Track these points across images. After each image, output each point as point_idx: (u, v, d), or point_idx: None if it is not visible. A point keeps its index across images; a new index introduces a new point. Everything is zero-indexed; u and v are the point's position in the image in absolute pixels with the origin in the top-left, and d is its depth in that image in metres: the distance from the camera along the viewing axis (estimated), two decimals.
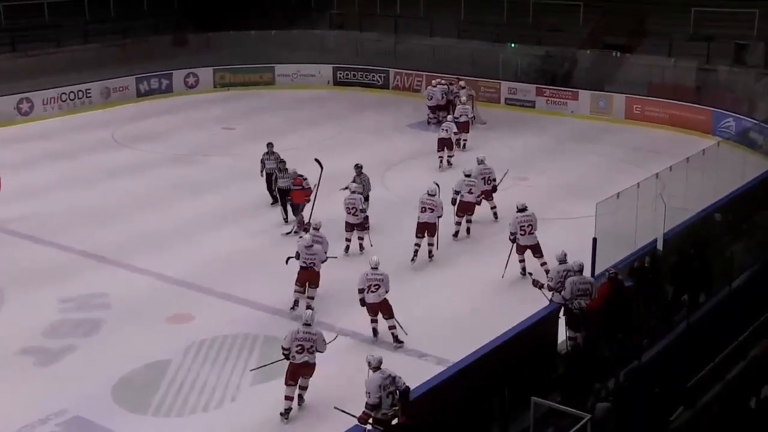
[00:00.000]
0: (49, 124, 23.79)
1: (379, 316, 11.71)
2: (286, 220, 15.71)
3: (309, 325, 10.06)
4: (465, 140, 21.09)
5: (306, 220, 14.67)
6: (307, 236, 12.60)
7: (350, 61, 28.96)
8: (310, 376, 10.21)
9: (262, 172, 16.62)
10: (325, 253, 12.57)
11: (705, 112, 22.73)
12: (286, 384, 10.03)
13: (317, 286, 12.44)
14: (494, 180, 16.00)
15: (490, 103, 25.86)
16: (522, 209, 13.85)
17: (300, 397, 10.23)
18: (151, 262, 14.28)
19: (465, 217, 15.35)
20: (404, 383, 8.74)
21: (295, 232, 15.02)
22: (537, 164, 19.98)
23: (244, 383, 10.84)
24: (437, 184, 14.73)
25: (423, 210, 14.27)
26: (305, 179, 15.43)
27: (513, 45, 27.46)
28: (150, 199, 17.38)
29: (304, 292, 12.38)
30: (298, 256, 12.43)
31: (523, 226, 13.69)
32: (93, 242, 15.10)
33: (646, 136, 22.70)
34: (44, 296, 13.10)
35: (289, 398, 10.05)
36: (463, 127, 21.06)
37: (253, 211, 16.19)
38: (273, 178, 16.41)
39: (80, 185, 18.41)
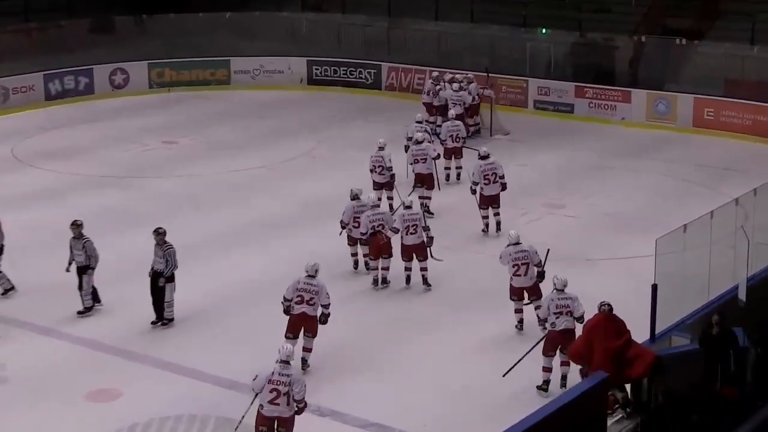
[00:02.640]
0: None
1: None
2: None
3: (312, 276, 12.43)
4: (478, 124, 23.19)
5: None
6: (371, 195, 15.75)
7: (330, 53, 29.19)
8: (313, 336, 12.49)
9: (69, 265, 14.41)
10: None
11: None
12: (285, 337, 12.29)
13: (390, 255, 15.04)
14: (464, 138, 20.03)
15: (514, 107, 26.05)
16: (484, 156, 17.02)
17: (303, 360, 12.45)
18: (65, 322, 14.21)
19: (453, 161, 19.72)
20: (302, 395, 10.31)
21: None
22: (577, 187, 20.07)
23: None
24: (430, 129, 19.05)
25: (415, 161, 18.08)
26: None
27: (544, 31, 27.71)
28: (61, 236, 17.28)
29: (378, 267, 15.07)
30: (344, 227, 15.32)
31: (487, 174, 16.78)
32: None
33: (721, 148, 22.88)
34: None
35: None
36: (475, 110, 23.09)
37: (199, 254, 16.20)
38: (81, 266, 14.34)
39: None
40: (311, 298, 12.40)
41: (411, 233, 14.86)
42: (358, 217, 15.25)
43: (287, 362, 10.35)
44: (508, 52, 27.53)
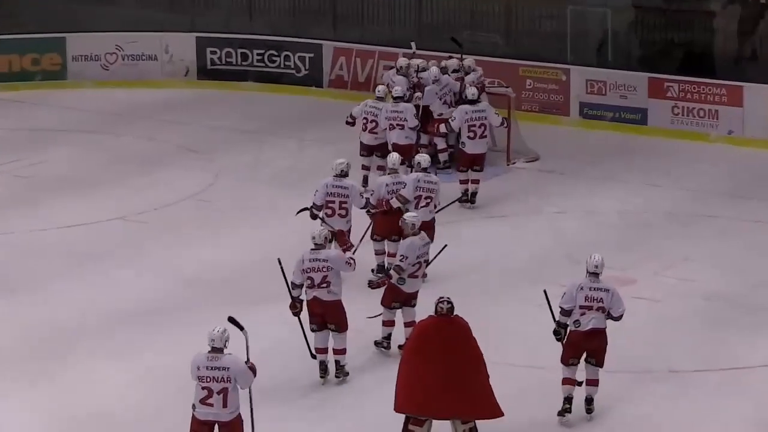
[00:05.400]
0: None
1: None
2: None
3: (320, 247, 14.78)
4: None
5: None
6: (394, 156, 18.52)
7: (235, 25, 29.59)
8: (339, 329, 14.90)
9: None
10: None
11: None
12: (312, 330, 14.99)
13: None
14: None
15: (546, 114, 26.36)
16: (472, 100, 20.68)
17: (337, 364, 14.99)
18: None
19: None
20: (249, 385, 12.53)
21: None
22: (655, 250, 20.00)
23: None
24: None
25: (391, 127, 21.16)
26: None
27: None
28: None
29: (384, 251, 18.00)
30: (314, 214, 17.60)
31: (473, 125, 20.50)
32: None
33: None
34: None
35: (319, 350, 14.95)
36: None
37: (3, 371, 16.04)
38: None
39: None
40: (324, 278, 14.68)
41: (422, 206, 17.58)
42: (332, 202, 17.54)
43: (218, 350, 12.23)
44: (537, 24, 27.71)
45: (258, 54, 28.60)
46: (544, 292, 14.40)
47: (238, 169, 23.89)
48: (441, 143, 22.26)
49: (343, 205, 17.25)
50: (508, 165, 23.34)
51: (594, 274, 13.97)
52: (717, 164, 24.07)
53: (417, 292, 15.71)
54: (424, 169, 18.04)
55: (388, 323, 15.77)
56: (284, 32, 28.82)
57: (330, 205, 17.33)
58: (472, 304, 17.02)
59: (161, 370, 15.58)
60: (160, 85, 28.48)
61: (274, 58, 28.53)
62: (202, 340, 14.65)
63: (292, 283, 14.93)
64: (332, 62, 28.28)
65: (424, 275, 17.10)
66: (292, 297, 14.98)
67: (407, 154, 20.07)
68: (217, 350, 12.22)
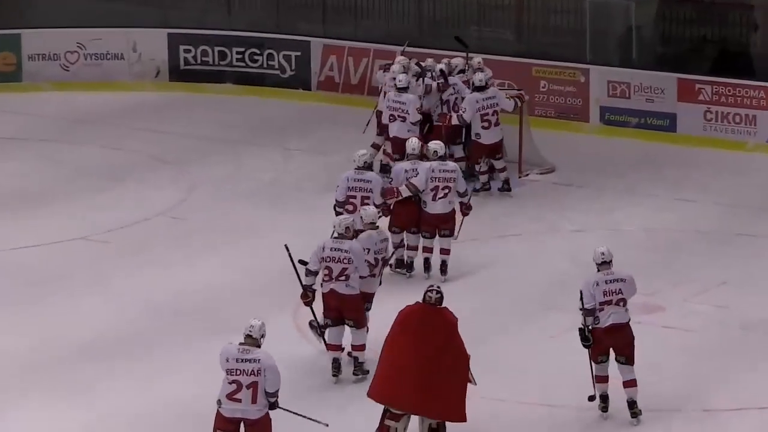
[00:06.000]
0: None
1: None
2: None
3: (343, 237, 15.67)
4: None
5: None
6: (413, 140, 19.57)
7: (213, 20, 29.65)
8: (357, 324, 15.72)
9: None
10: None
11: None
12: (327, 325, 15.86)
13: (419, 230, 19.06)
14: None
15: (562, 120, 26.42)
16: (480, 87, 21.91)
17: (355, 361, 15.74)
18: None
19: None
20: (276, 387, 13.02)
21: None
22: (686, 274, 19.93)
23: None
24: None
25: (392, 118, 22.23)
26: None
27: None
28: None
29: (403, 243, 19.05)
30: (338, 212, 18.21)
31: (486, 113, 21.79)
32: None
33: None
34: None
35: (332, 347, 15.77)
36: None
37: None
38: None
39: None
40: (343, 270, 15.55)
41: (440, 197, 18.71)
42: (354, 197, 18.24)
43: (253, 341, 12.93)
44: (552, 19, 27.79)
45: (238, 53, 28.66)
46: (580, 292, 14.68)
47: (215, 182, 23.89)
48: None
49: (366, 201, 17.82)
50: (520, 177, 23.32)
51: (605, 263, 14.66)
52: (755, 176, 24.15)
53: (372, 294, 16.33)
54: (441, 158, 18.89)
55: None
56: (267, 28, 28.94)
57: (351, 200, 18.05)
58: (480, 334, 17.17)
59: (128, 408, 15.58)
60: (128, 88, 28.55)
61: (256, 58, 28.58)
62: (173, 374, 14.67)
63: (306, 269, 15.64)
64: (321, 61, 28.34)
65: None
66: (303, 286, 15.66)
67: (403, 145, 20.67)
68: (250, 342, 12.87)
